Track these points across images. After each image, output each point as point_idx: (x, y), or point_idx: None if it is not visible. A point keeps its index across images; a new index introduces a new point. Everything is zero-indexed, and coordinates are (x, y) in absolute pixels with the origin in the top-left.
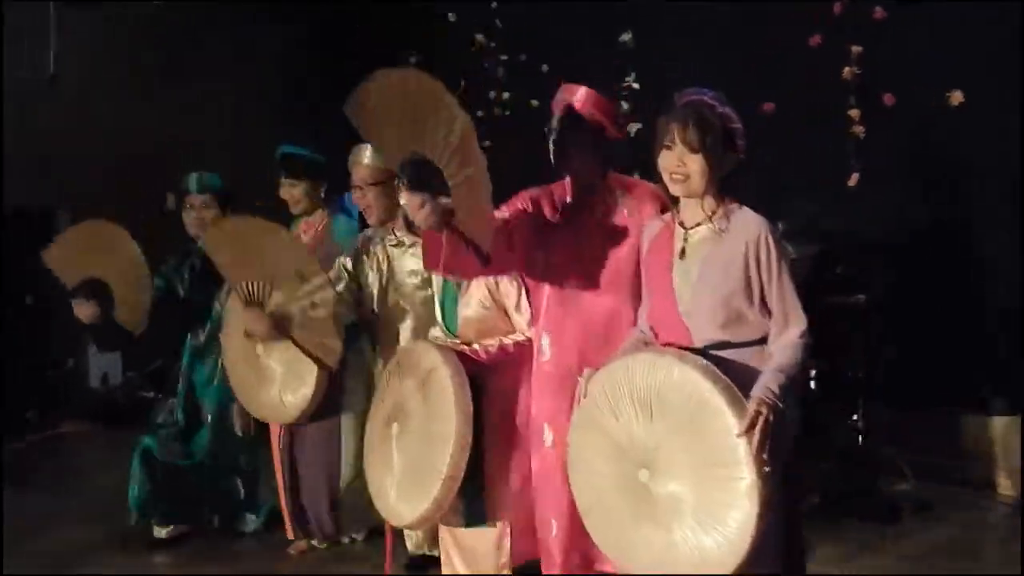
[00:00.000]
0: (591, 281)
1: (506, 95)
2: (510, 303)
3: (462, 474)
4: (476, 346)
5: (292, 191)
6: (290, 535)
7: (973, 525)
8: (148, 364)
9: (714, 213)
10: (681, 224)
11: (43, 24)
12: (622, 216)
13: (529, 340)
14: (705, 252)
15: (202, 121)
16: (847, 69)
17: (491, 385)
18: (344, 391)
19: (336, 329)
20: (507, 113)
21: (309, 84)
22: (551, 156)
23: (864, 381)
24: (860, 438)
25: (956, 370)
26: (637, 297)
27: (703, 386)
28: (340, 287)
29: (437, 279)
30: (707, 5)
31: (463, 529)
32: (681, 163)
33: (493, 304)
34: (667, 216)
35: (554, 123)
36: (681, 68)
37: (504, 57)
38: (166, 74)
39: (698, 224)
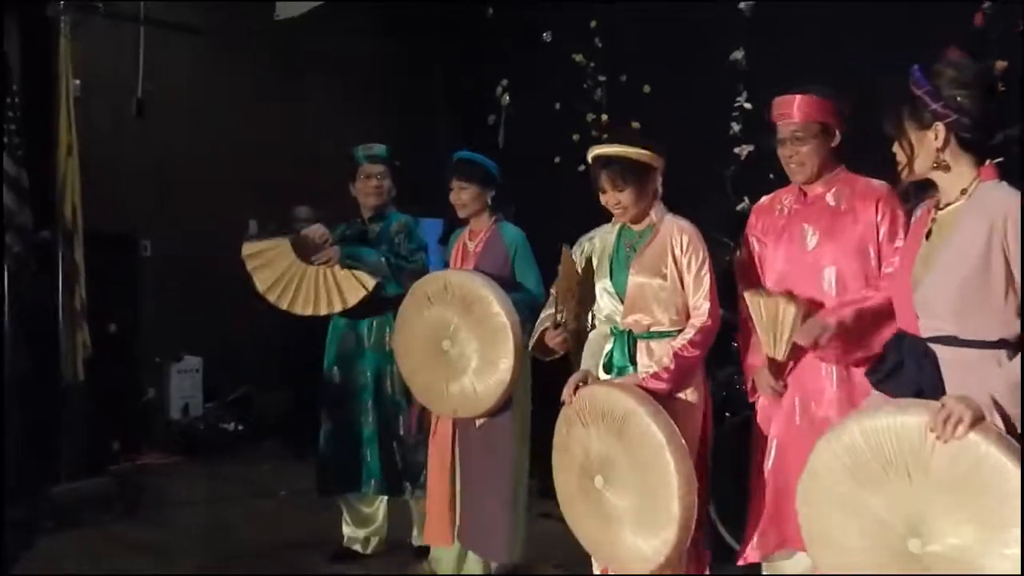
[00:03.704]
0: (791, 276)
1: (605, 117)
2: (691, 271)
3: (695, 513)
4: (654, 368)
5: (461, 194)
6: (435, 540)
7: None
8: (230, 393)
9: (965, 191)
10: (936, 205)
11: (133, 47)
12: (838, 211)
13: (704, 330)
14: (946, 234)
15: (289, 149)
16: None
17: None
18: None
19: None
20: (605, 136)
21: (407, 106)
22: (787, 167)
23: None
24: None
25: None
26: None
27: (979, 446)
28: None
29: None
30: (826, 19)
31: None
32: (895, 149)
33: (674, 270)
34: (932, 199)
35: (782, 135)
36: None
37: (603, 78)
38: (255, 101)
39: (949, 204)
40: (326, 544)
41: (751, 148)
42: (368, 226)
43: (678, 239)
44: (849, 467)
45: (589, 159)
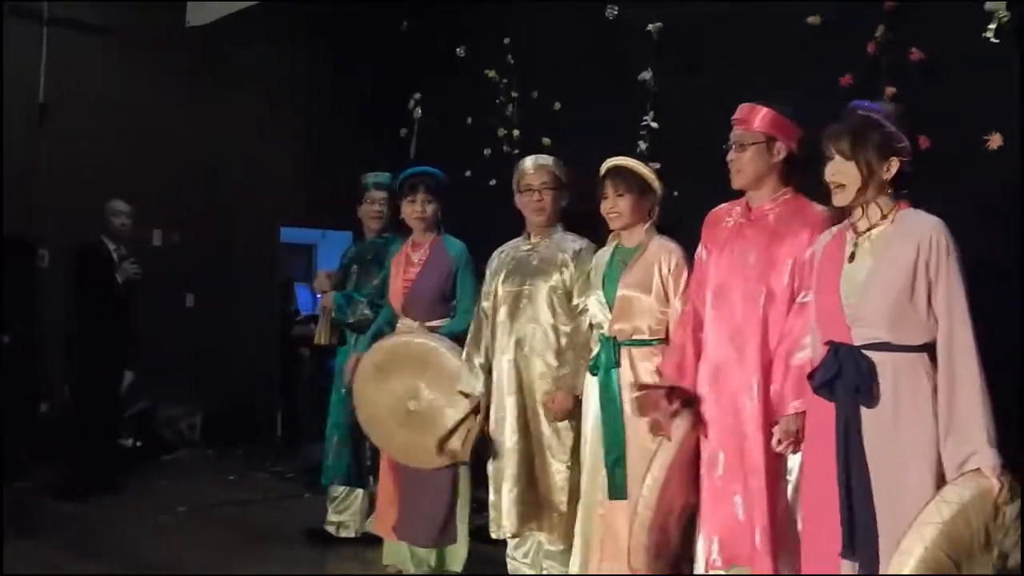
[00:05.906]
0: (730, 289)
1: (516, 133)
2: (677, 290)
3: None
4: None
5: (428, 207)
6: (388, 535)
7: None
8: (128, 408)
9: (885, 217)
10: (853, 229)
11: (35, 49)
12: (776, 231)
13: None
14: (874, 254)
15: (199, 156)
16: None
17: None
18: None
19: None
20: (516, 152)
21: (315, 117)
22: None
23: None
24: None
25: None
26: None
27: None
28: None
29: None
30: (731, 45)
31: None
32: (836, 172)
33: (659, 286)
34: (843, 224)
35: (731, 139)
36: (703, 108)
37: (515, 94)
38: (164, 106)
39: (869, 229)
40: (228, 559)
41: (658, 166)
42: (368, 244)
43: (666, 259)
44: None
45: (602, 170)
